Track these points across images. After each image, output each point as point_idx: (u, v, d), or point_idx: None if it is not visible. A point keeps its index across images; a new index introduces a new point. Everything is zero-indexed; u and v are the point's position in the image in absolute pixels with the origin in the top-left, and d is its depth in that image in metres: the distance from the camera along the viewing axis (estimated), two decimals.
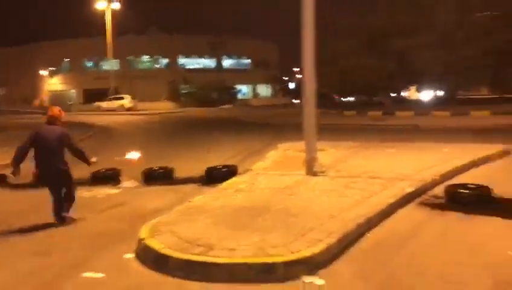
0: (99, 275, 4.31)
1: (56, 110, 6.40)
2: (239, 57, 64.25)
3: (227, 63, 63.29)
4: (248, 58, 64.84)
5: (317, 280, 3.93)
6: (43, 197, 6.39)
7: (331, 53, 32.11)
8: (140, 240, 4.75)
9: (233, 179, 7.82)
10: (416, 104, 31.15)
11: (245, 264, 3.99)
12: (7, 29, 76.04)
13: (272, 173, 8.25)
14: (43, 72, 57.89)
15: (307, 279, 3.94)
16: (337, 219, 5.17)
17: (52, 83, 60.09)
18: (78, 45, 54.21)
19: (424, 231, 5.25)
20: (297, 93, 53.19)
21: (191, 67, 60.81)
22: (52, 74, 59.20)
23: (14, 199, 8.10)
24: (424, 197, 6.70)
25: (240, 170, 8.83)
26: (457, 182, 7.03)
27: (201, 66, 61.59)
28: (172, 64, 59.80)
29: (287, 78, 63.59)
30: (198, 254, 4.20)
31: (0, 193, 8.65)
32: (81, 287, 4.16)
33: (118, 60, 50.88)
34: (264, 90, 65.47)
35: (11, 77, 56.96)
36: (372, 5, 33.72)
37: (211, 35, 55.02)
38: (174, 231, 4.87)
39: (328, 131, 17.65)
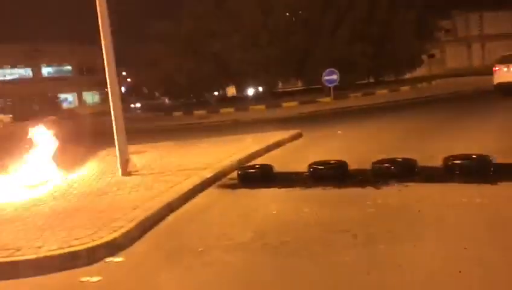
0: None
1: None
2: (59, 64, 60.43)
3: (46, 71, 59.13)
4: (69, 65, 61.40)
5: (116, 258, 4.72)
6: None
7: (151, 57, 32.81)
8: None
9: (48, 190, 8.07)
10: (238, 101, 33.69)
11: (49, 256, 4.55)
12: None
13: (88, 179, 8.70)
14: None
15: (108, 259, 4.70)
16: (140, 208, 5.99)
17: None
18: None
19: (214, 207, 6.41)
20: (127, 97, 52.63)
21: (5, 78, 55.40)
22: None
23: None
24: (223, 180, 7.96)
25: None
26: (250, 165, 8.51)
27: (16, 76, 56.52)
28: None
29: None
30: (6, 256, 4.61)
31: None
32: None
33: None
34: (91, 97, 62.83)
35: None
36: (180, 10, 35.23)
37: (26, 44, 50.89)
38: None
39: (155, 133, 18.39)
